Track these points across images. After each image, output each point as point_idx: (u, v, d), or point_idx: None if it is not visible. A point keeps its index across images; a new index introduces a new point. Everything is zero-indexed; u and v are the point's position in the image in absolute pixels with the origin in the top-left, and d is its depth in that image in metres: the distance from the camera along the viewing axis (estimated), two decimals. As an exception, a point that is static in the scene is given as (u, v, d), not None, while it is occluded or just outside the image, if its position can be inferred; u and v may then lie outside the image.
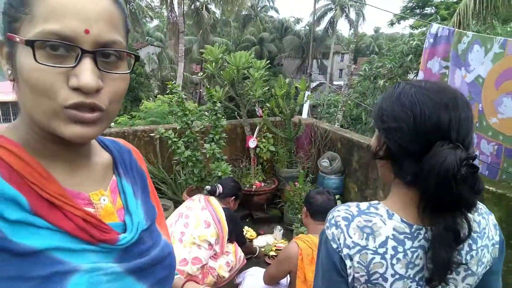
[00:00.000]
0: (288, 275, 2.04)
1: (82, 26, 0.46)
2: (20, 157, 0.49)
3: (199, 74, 3.28)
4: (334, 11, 29.84)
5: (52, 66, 0.46)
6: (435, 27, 2.69)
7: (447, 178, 0.68)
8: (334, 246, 0.79)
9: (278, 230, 3.38)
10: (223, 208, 2.52)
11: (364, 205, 0.83)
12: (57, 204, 0.49)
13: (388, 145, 0.79)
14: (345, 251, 0.78)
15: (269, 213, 3.82)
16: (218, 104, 3.11)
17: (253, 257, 2.97)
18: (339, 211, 0.82)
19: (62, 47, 0.46)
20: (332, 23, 30.81)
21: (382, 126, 0.81)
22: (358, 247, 0.77)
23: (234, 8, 17.81)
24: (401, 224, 0.78)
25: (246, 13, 32.33)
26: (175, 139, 2.94)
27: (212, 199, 2.57)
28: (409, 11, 24.36)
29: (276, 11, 35.19)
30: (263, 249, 3.08)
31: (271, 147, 3.83)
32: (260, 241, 3.25)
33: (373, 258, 0.76)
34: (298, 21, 34.59)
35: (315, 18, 29.95)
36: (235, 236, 2.61)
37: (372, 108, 10.34)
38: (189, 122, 3.18)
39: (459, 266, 0.76)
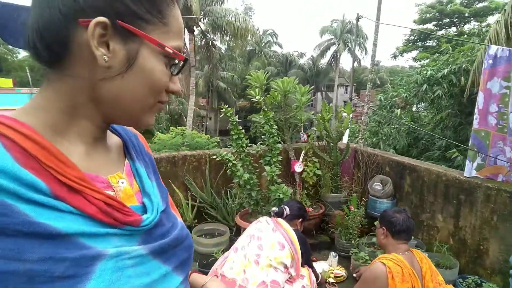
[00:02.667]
0: None
1: (182, 45, 0.57)
2: (35, 141, 0.47)
3: (256, 97, 3.28)
4: (337, 46, 30.72)
5: (168, 72, 0.55)
6: (493, 48, 2.76)
7: None
8: None
9: (333, 257, 3.28)
10: (293, 230, 2.47)
11: None
12: (77, 188, 0.48)
13: None
14: None
15: (318, 239, 3.72)
16: (275, 127, 3.12)
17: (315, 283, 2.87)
18: None
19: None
20: (335, 57, 31.64)
21: None
22: None
23: (244, 43, 18.36)
24: None
25: (251, 48, 33.30)
26: (234, 162, 2.93)
27: (281, 220, 2.52)
28: (411, 44, 25.08)
29: (280, 46, 36.20)
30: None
31: (317, 171, 3.80)
32: (316, 268, 3.15)
33: None
34: (301, 55, 35.51)
35: (319, 51, 30.70)
36: (305, 259, 2.53)
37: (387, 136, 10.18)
38: (244, 145, 3.19)
39: None
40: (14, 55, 25.07)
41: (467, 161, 3.00)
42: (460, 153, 6.89)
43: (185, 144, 6.91)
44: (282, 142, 4.12)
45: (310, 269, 2.54)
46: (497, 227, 2.75)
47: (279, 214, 2.59)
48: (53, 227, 0.44)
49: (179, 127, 8.95)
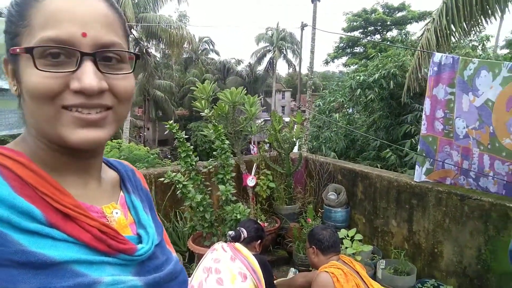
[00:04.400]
0: None
1: (78, 29, 0.47)
2: (30, 169, 0.48)
3: (206, 111, 3.04)
4: (273, 53, 31.40)
5: (52, 71, 0.46)
6: (438, 55, 2.84)
7: None
8: None
9: (293, 273, 3.14)
10: (253, 255, 2.27)
11: None
12: (72, 215, 0.48)
13: None
14: None
15: (276, 254, 3.58)
16: (227, 142, 2.91)
17: (279, 306, 2.70)
18: None
19: (62, 54, 0.47)
20: (271, 64, 32.31)
21: None
22: None
23: (181, 51, 17.90)
24: None
25: (187, 56, 32.69)
26: (185, 183, 2.66)
27: (239, 245, 2.30)
28: (341, 50, 26.52)
29: (217, 53, 36.00)
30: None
31: (271, 184, 3.66)
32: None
33: None
34: (239, 62, 35.61)
35: (256, 58, 31.19)
36: (268, 283, 2.35)
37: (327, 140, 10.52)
38: (193, 163, 2.93)
39: None
40: None
41: (417, 166, 3.06)
42: (392, 152, 7.28)
43: (122, 158, 6.45)
44: (233, 156, 3.92)
45: None
46: (449, 229, 2.82)
47: (236, 238, 2.37)
48: (47, 256, 0.43)
49: (114, 140, 8.34)
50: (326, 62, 28.35)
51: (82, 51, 0.47)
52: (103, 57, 0.49)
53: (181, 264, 0.65)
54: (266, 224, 3.58)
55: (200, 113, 3.33)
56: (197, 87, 3.51)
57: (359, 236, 3.14)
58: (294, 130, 3.70)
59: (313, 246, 2.18)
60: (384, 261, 3.08)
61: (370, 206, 3.45)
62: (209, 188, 3.06)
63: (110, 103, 0.50)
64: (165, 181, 2.62)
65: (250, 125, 3.57)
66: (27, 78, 0.47)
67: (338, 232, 2.72)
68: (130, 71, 0.54)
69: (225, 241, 2.38)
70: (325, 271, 1.97)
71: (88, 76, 0.46)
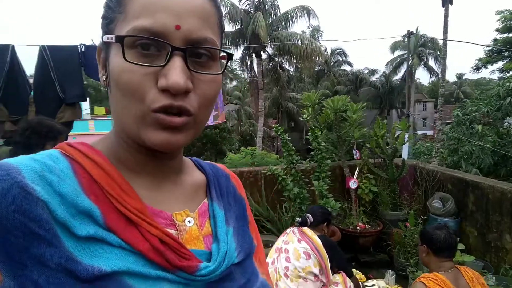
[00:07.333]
0: None
1: (173, 21, 0.44)
2: (102, 168, 0.46)
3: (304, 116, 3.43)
4: (411, 60, 29.33)
5: (140, 64, 0.43)
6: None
7: None
8: None
9: (390, 275, 3.19)
10: (319, 236, 2.48)
11: None
12: (134, 220, 0.44)
13: None
14: None
15: (377, 257, 3.64)
16: (323, 144, 3.22)
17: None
18: None
19: (153, 46, 0.44)
20: (410, 72, 30.19)
21: None
22: None
23: (312, 64, 18.61)
24: None
25: (319, 68, 33.34)
26: (284, 176, 3.08)
27: (306, 229, 2.54)
28: (495, 54, 22.89)
29: (350, 65, 35.61)
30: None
31: (373, 188, 3.76)
32: (371, 285, 3.09)
33: None
34: (373, 72, 34.48)
35: (392, 68, 29.64)
36: (336, 263, 2.50)
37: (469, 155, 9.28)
38: (294, 161, 3.32)
39: None
40: (107, 87, 28.66)
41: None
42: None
43: (255, 163, 7.18)
44: (336, 159, 4.15)
45: (346, 275, 2.51)
46: None
47: (303, 223, 2.61)
48: (95, 267, 0.40)
49: (249, 148, 9.32)
50: (477, 68, 24.85)
51: (174, 46, 0.44)
52: (194, 53, 0.46)
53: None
54: (366, 226, 3.69)
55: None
56: (304, 96, 3.91)
57: (461, 246, 2.98)
58: (398, 135, 3.72)
59: (424, 245, 2.06)
60: (494, 277, 2.85)
61: (483, 219, 3.20)
62: (309, 185, 3.40)
63: (192, 109, 0.46)
64: (267, 173, 3.09)
65: (352, 131, 3.76)
66: (117, 71, 0.44)
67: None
68: (220, 72, 0.50)
69: (296, 227, 2.67)
70: (424, 283, 1.85)
71: (175, 73, 0.43)
